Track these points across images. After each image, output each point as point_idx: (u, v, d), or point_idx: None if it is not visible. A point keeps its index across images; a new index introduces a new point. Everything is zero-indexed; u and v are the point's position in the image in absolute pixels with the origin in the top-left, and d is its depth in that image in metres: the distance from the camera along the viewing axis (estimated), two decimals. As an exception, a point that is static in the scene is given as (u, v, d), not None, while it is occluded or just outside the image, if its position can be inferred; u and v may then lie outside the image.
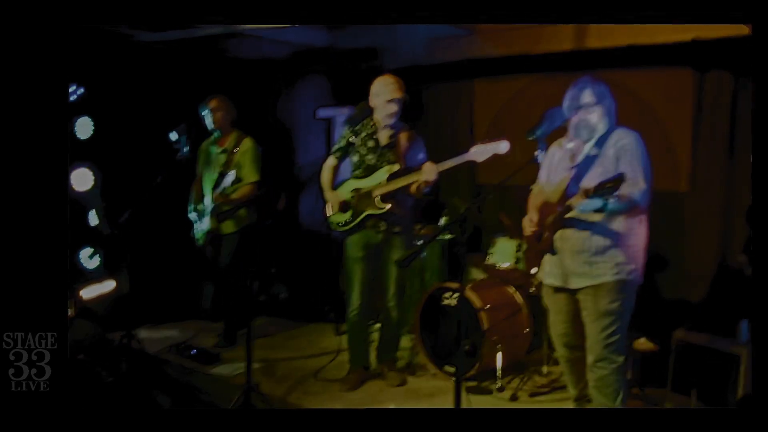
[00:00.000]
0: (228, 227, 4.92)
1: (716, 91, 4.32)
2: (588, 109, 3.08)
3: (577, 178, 3.08)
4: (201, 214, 5.00)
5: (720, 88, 4.30)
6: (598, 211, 2.98)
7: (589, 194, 2.81)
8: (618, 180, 2.70)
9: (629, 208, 3.02)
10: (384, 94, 4.07)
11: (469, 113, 5.59)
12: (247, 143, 4.93)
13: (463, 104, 5.61)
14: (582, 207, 2.95)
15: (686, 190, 4.50)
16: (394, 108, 4.07)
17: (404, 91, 4.10)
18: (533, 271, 4.25)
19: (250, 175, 4.86)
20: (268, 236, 5.74)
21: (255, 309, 5.67)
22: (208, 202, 4.91)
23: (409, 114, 4.26)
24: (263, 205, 4.85)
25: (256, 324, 5.16)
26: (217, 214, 4.79)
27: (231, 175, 4.27)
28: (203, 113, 4.96)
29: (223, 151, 4.95)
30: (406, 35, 5.62)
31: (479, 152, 3.72)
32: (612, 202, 2.89)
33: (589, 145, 3.12)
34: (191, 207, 5.09)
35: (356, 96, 4.44)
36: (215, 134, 4.99)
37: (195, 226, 5.10)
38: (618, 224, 3.06)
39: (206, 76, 5.89)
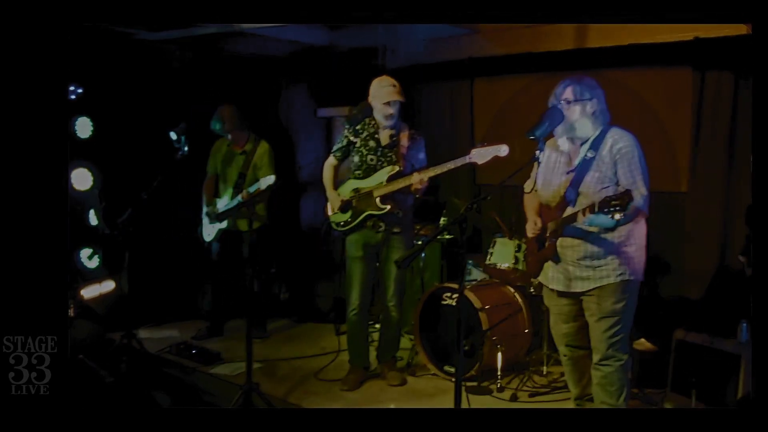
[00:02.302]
0: (246, 225, 4.99)
1: (716, 91, 4.31)
2: (565, 105, 3.06)
3: (575, 182, 3.06)
4: (214, 214, 5.07)
5: (720, 87, 4.29)
6: (609, 230, 2.99)
7: (594, 210, 2.80)
8: (625, 197, 2.67)
9: (634, 217, 3.02)
10: (380, 97, 4.07)
11: (470, 112, 5.58)
12: (264, 145, 5.10)
13: (464, 103, 5.61)
14: (589, 222, 2.94)
15: (686, 190, 4.50)
16: (390, 111, 4.06)
17: (401, 94, 4.09)
18: (534, 280, 4.27)
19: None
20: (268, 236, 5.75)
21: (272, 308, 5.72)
22: (225, 201, 4.99)
23: (409, 114, 4.25)
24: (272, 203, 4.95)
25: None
26: (236, 213, 4.87)
27: (269, 179, 4.36)
28: (216, 128, 5.08)
29: (242, 153, 5.08)
30: (406, 34, 5.62)
31: (479, 155, 3.72)
32: (620, 221, 2.89)
33: (585, 148, 3.10)
34: (205, 207, 5.18)
35: (356, 95, 4.43)
36: (230, 136, 5.09)
37: (205, 224, 5.16)
38: (618, 228, 3.04)
39: (206, 75, 5.89)
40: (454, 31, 5.37)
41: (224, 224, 5.03)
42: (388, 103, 4.05)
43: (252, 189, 4.59)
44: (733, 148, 4.27)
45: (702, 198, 4.40)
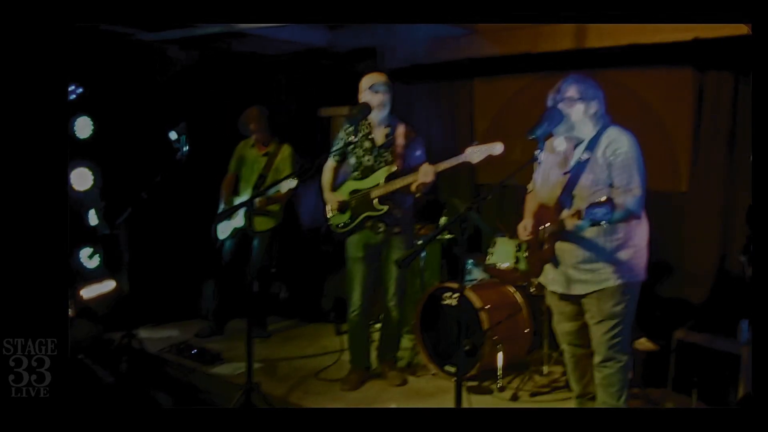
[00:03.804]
0: (262, 225, 5.05)
1: (716, 91, 4.31)
2: (568, 103, 3.05)
3: (570, 184, 3.05)
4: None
5: (720, 87, 4.29)
6: (606, 234, 2.99)
7: (581, 217, 2.80)
8: (607, 204, 2.67)
9: (624, 218, 2.98)
10: (366, 83, 4.07)
11: (470, 113, 5.58)
12: (287, 149, 5.16)
13: (464, 104, 5.61)
14: (580, 227, 2.92)
15: (686, 190, 4.50)
16: (380, 97, 4.05)
17: (389, 79, 4.10)
18: (534, 280, 4.26)
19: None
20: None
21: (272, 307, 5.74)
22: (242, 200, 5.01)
23: (408, 114, 4.24)
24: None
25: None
26: (251, 212, 4.91)
27: (291, 183, 4.41)
28: (243, 131, 5.17)
29: (265, 155, 5.14)
30: (406, 34, 5.62)
31: (474, 154, 3.72)
32: (605, 223, 2.88)
33: (581, 149, 3.09)
34: (222, 205, 5.22)
35: (356, 95, 4.43)
36: (253, 138, 5.16)
37: (221, 222, 5.21)
38: (616, 230, 3.03)
39: (206, 75, 5.89)
40: (454, 31, 5.37)
41: (240, 223, 5.05)
42: (377, 89, 4.04)
43: (272, 192, 4.64)
44: (733, 148, 4.27)
45: (702, 198, 4.40)
